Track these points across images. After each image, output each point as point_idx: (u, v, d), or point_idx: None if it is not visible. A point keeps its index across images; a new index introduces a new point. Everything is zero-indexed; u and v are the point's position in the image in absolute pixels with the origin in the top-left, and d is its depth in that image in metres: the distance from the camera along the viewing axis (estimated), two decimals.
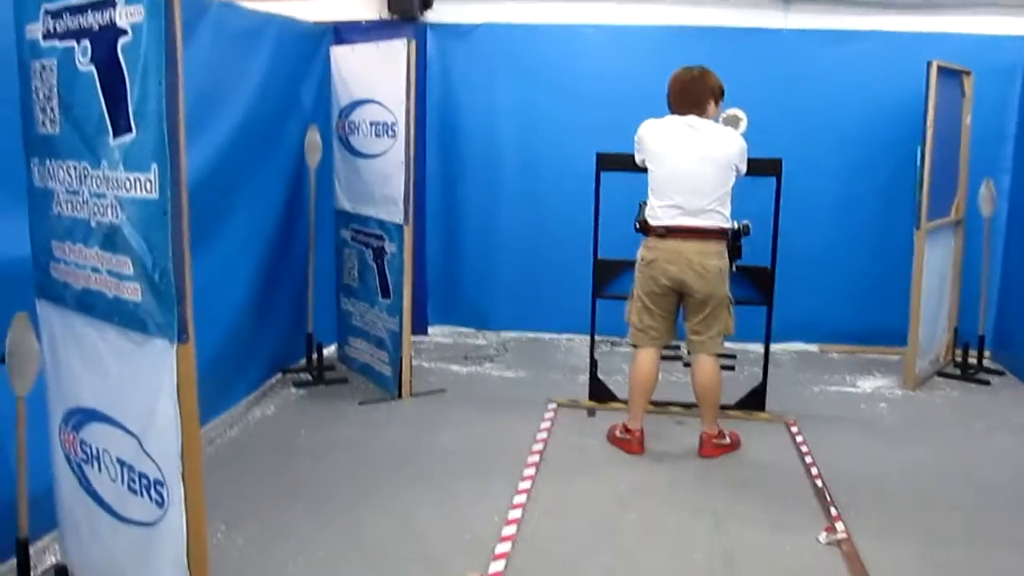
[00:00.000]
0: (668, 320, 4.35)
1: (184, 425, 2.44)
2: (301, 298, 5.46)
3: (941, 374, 5.84)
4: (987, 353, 6.01)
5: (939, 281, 5.83)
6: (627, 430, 4.43)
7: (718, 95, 4.24)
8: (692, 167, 4.13)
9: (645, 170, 4.29)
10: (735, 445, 4.44)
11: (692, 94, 4.18)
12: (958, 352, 5.97)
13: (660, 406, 4.86)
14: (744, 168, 4.23)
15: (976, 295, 5.90)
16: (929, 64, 5.21)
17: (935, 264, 5.66)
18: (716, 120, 4.31)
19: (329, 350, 5.73)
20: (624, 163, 4.47)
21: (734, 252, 4.29)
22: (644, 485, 4.03)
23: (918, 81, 5.30)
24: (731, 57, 5.98)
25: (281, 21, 5.28)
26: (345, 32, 6.02)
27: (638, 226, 4.29)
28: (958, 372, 5.83)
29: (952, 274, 6.05)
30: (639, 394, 4.41)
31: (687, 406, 4.83)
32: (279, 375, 5.40)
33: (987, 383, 5.70)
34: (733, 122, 5.36)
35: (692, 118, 4.17)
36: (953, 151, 5.81)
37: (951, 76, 5.58)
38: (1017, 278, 5.95)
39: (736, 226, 4.26)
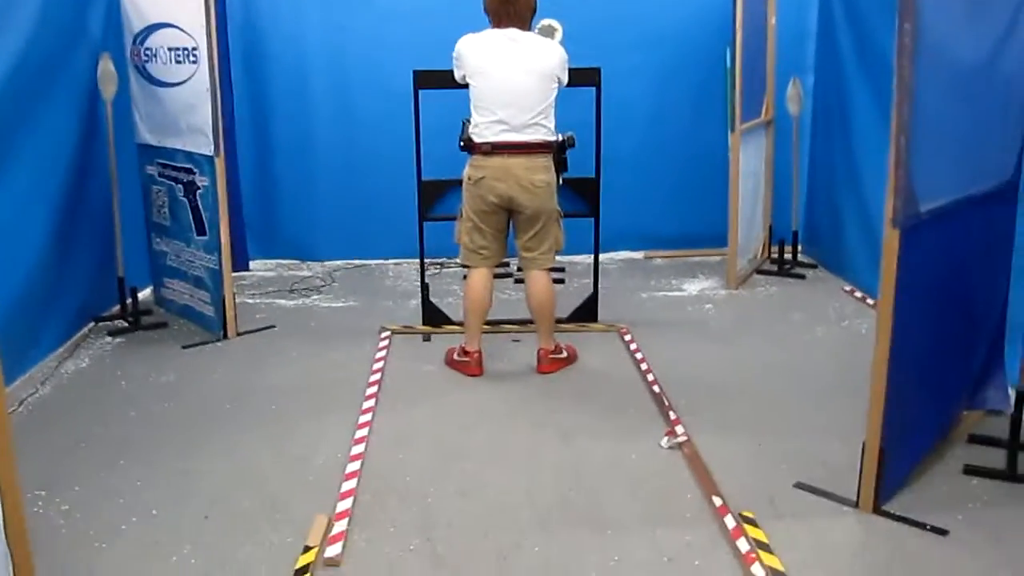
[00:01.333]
0: (499, 238, 4.29)
1: None
2: (108, 241, 5.10)
3: (760, 271, 6.06)
4: (800, 248, 6.27)
5: (753, 181, 6.01)
6: (465, 352, 4.37)
7: (535, 9, 4.16)
8: (515, 81, 4.05)
9: (465, 86, 4.17)
10: (572, 358, 4.47)
11: (515, 7, 4.07)
12: (774, 249, 6.20)
13: (495, 325, 4.83)
14: (566, 79, 4.17)
15: (788, 193, 6.12)
16: None
17: (749, 165, 5.82)
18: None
19: (144, 293, 5.42)
20: (443, 80, 4.34)
21: (560, 165, 4.26)
22: (486, 406, 4.00)
23: None
24: None
25: None
26: None
27: (463, 144, 4.18)
28: (775, 268, 6.06)
29: (765, 173, 6.24)
30: (474, 315, 4.35)
31: (522, 323, 4.83)
32: (91, 324, 5.06)
33: (802, 277, 5.95)
34: (548, 32, 5.27)
35: (513, 31, 4.07)
36: (760, 52, 5.94)
37: None
38: (823, 175, 6.21)
39: (561, 138, 4.22)
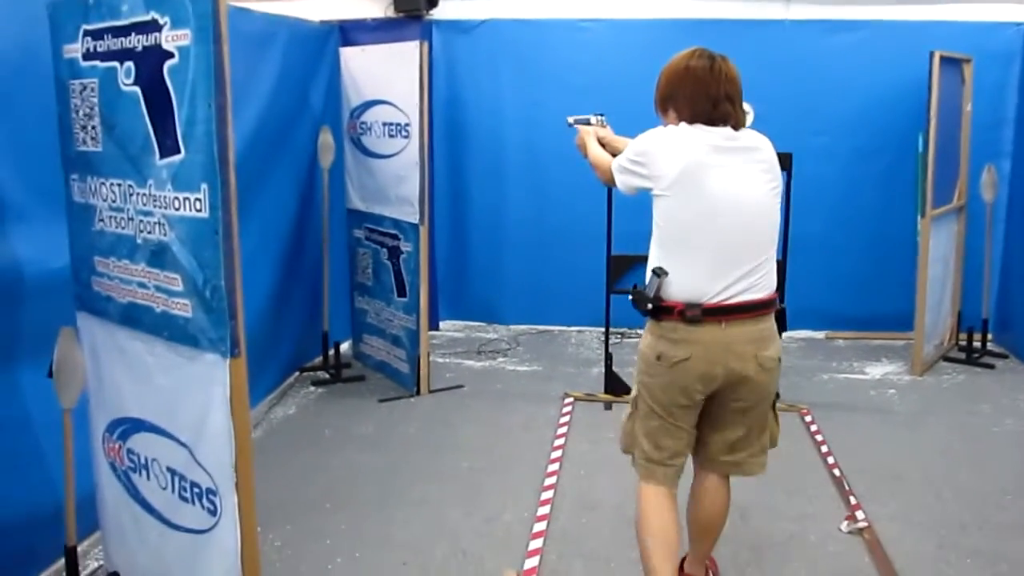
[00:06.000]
0: (692, 436, 2.90)
1: (237, 437, 2.52)
2: (316, 297, 5.53)
3: (946, 358, 5.94)
4: (990, 336, 6.12)
5: (942, 266, 5.92)
6: None
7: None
8: (749, 206, 2.71)
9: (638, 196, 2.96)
10: None
11: (732, 85, 2.78)
12: (962, 336, 6.07)
13: None
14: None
15: (979, 279, 6.01)
16: (931, 54, 5.29)
17: (938, 250, 5.76)
18: None
19: (344, 347, 5.81)
20: None
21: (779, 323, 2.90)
22: None
23: (918, 68, 5.38)
24: (734, 49, 5.87)
25: (291, 23, 5.34)
26: (351, 31, 6.08)
27: (649, 307, 2.74)
28: (963, 356, 5.93)
29: (955, 259, 6.15)
30: (662, 558, 2.79)
31: None
32: (296, 374, 5.47)
33: (992, 367, 5.80)
34: None
35: (729, 130, 2.73)
36: (954, 138, 5.90)
37: (952, 64, 5.65)
38: (1018, 262, 6.05)
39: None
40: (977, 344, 6.00)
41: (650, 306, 2.73)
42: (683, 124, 2.74)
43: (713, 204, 2.67)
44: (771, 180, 2.77)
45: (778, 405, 2.99)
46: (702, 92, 2.74)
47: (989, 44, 6.01)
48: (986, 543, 3.51)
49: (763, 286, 2.70)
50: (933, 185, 5.44)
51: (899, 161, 6.08)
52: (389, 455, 4.35)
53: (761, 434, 2.91)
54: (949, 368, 5.79)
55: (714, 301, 2.66)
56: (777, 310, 2.82)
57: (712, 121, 2.72)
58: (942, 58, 5.36)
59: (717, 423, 2.87)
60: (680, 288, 2.70)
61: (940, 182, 5.61)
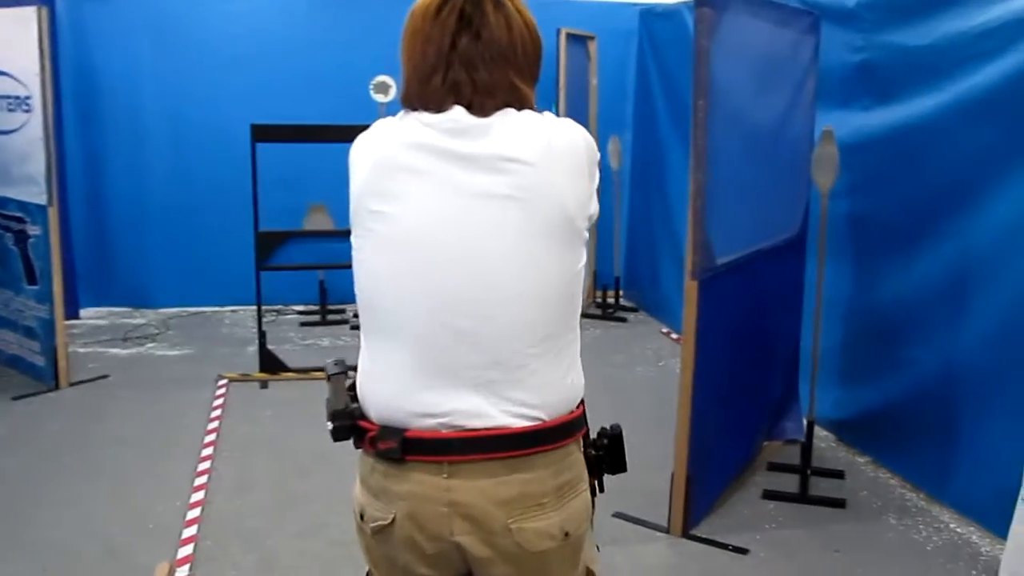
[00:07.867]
0: None
1: None
2: None
3: (585, 315, 6.39)
4: (622, 293, 6.67)
5: None
6: None
7: (538, 58, 1.64)
8: (477, 256, 1.45)
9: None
10: None
11: (459, 50, 1.48)
12: (598, 293, 6.58)
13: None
14: (596, 210, 1.56)
15: (611, 241, 6.52)
16: (558, 31, 5.65)
17: None
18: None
19: None
20: (282, 134, 4.45)
21: (607, 461, 1.78)
22: (325, 453, 4.12)
23: (547, 44, 5.71)
24: (396, 20, 6.12)
25: None
26: None
27: (337, 429, 1.53)
28: (599, 312, 6.43)
29: None
30: None
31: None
32: None
33: (624, 320, 6.35)
34: (382, 89, 5.46)
35: (458, 116, 1.47)
36: (583, 110, 6.34)
37: (578, 41, 6.07)
38: (641, 225, 6.65)
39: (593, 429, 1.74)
40: (611, 300, 6.53)
41: (330, 425, 1.53)
42: (401, 112, 1.56)
43: (407, 248, 1.47)
44: (536, 216, 1.45)
45: None
46: (418, 51, 1.51)
47: (610, 23, 6.52)
48: (621, 479, 3.81)
49: (530, 403, 1.49)
50: None
51: None
52: (27, 456, 4.04)
53: None
54: (587, 324, 6.24)
55: (424, 426, 1.47)
56: (591, 453, 1.68)
57: (430, 102, 1.49)
58: (568, 35, 5.75)
59: None
60: (374, 399, 1.52)
61: None
